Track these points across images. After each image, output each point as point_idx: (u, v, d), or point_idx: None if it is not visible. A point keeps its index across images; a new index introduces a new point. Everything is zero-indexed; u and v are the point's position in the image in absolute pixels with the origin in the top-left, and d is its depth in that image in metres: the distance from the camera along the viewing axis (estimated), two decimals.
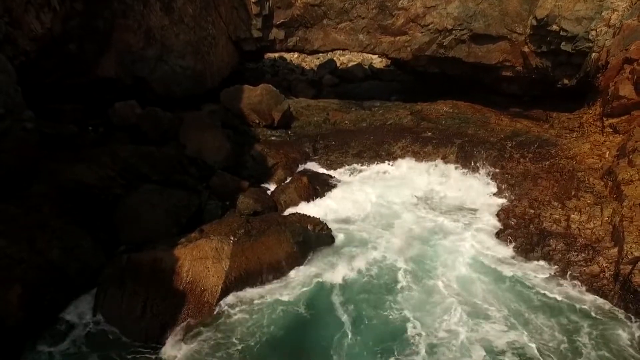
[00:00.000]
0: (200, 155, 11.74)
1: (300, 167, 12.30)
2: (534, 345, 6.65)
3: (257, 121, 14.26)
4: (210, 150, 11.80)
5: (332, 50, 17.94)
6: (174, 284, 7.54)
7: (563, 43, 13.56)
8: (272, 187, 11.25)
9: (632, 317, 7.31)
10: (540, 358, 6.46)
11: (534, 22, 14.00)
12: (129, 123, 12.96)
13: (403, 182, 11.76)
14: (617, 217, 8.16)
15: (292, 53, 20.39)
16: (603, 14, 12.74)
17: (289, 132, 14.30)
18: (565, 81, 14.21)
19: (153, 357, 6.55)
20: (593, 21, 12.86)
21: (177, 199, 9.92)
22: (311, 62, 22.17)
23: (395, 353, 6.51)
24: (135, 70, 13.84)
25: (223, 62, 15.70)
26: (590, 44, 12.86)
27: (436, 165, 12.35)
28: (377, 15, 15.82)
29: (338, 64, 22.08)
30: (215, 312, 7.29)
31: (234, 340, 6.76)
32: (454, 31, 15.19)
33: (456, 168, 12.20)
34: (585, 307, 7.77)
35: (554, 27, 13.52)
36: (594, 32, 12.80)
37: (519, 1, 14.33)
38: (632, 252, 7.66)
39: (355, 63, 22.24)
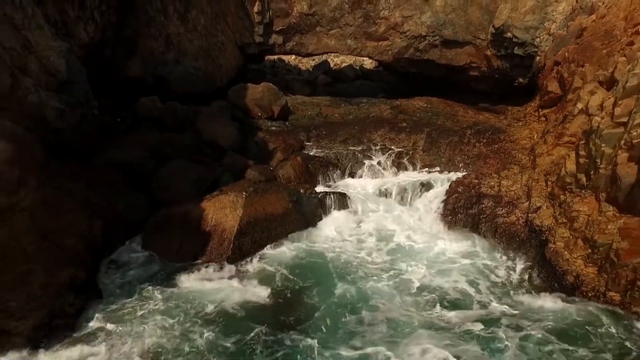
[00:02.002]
0: (214, 140, 15.28)
1: (296, 151, 15.79)
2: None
3: (260, 114, 17.83)
4: (222, 136, 15.36)
5: (324, 53, 21.57)
6: (201, 227, 11.07)
7: (516, 48, 17.17)
8: (272, 165, 14.76)
9: (535, 248, 10.76)
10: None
11: (493, 30, 17.63)
12: (152, 115, 16.49)
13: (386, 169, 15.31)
14: (530, 180, 11.69)
15: (290, 55, 23.93)
16: (545, 24, 16.36)
17: (287, 123, 17.85)
18: (520, 80, 17.79)
19: (182, 271, 9.90)
20: (538, 30, 16.47)
21: (198, 172, 13.44)
22: (307, 63, 25.79)
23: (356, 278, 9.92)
24: (156, 71, 17.45)
25: (230, 64, 19.31)
26: (536, 49, 16.46)
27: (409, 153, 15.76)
28: (362, 23, 19.46)
29: (332, 65, 25.71)
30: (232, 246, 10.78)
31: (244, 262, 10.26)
32: (427, 37, 18.81)
33: (423, 151, 15.68)
34: (502, 252, 11.24)
35: (508, 34, 17.14)
36: (538, 39, 16.40)
37: (481, 12, 17.95)
38: (535, 204, 11.20)
39: (347, 64, 25.86)
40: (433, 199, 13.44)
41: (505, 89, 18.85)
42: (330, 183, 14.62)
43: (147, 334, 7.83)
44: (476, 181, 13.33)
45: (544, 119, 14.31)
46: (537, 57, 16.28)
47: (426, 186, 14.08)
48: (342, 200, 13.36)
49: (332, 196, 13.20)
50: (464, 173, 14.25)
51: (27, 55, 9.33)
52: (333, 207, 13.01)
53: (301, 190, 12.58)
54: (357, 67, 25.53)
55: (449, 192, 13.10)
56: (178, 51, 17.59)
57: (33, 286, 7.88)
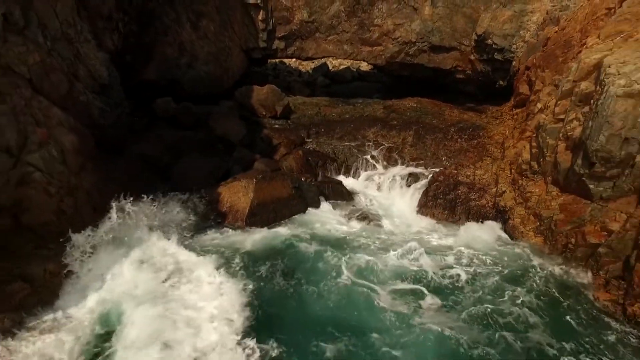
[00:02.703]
0: (225, 136, 17.84)
1: (297, 146, 18.35)
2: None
3: (264, 113, 20.41)
4: (232, 133, 17.93)
5: (323, 57, 24.18)
6: (218, 208, 13.62)
7: (496, 53, 19.75)
8: (277, 158, 17.32)
9: (501, 225, 13.29)
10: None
11: (475, 37, 20.23)
12: (167, 114, 19.06)
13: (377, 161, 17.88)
14: (498, 169, 14.27)
15: (291, 59, 26.52)
16: (521, 32, 18.96)
17: (289, 121, 20.42)
18: (501, 82, 20.37)
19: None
20: (514, 38, 19.07)
21: (212, 164, 16.01)
22: (307, 66, 28.41)
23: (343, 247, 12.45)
24: (170, 75, 20.03)
25: (236, 67, 21.91)
26: (512, 55, 19.06)
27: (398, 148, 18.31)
28: (357, 30, 22.07)
29: (330, 67, 28.33)
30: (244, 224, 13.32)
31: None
32: (417, 43, 21.42)
33: (411, 146, 18.25)
34: (476, 227, 13.76)
35: (489, 41, 19.74)
36: (514, 46, 19.00)
37: (465, 21, 20.55)
38: (501, 189, 13.77)
39: (345, 66, 28.48)
40: (418, 187, 15.98)
41: (488, 91, 21.42)
42: (329, 174, 17.14)
43: None
44: (455, 171, 15.91)
45: (516, 117, 16.88)
46: (514, 62, 18.86)
47: (413, 176, 16.62)
48: (339, 188, 15.90)
49: (329, 185, 15.75)
50: (445, 165, 16.77)
51: (78, 64, 11.90)
52: (330, 193, 15.53)
53: (302, 179, 15.11)
54: (354, 69, 28.13)
55: (431, 181, 15.66)
56: (190, 56, 20.17)
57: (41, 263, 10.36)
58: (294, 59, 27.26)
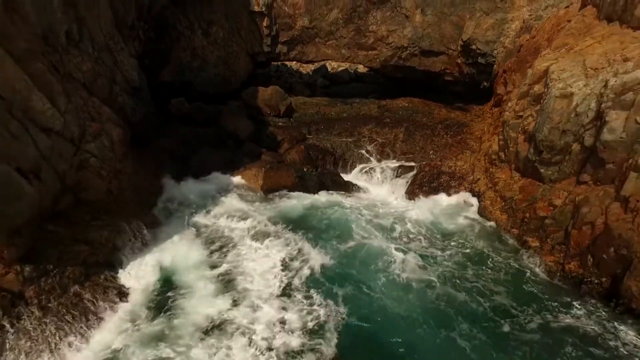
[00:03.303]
0: (234, 132, 20.63)
1: (299, 142, 21.13)
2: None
3: (269, 112, 23.21)
4: (240, 129, 20.72)
5: (323, 60, 27.02)
6: (231, 190, 16.38)
7: (479, 57, 22.58)
8: (281, 152, 20.10)
9: (474, 205, 16.07)
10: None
11: (461, 43, 23.06)
12: (181, 113, 21.83)
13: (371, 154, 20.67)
14: (475, 160, 17.07)
15: (292, 62, 29.33)
16: (501, 39, 21.80)
17: (291, 119, 23.21)
18: (485, 83, 23.18)
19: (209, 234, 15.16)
20: (495, 44, 21.90)
21: (224, 155, 18.78)
22: (307, 68, 31.24)
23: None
24: (183, 77, 22.84)
25: (242, 70, 24.74)
26: (494, 59, 21.89)
27: (391, 143, 21.09)
28: (354, 36, 24.91)
29: (329, 69, 31.16)
30: None
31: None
32: (408, 48, 24.26)
33: (402, 141, 21.03)
34: (458, 205, 16.53)
35: (473, 46, 22.57)
36: (495, 51, 21.83)
37: (452, 28, 23.38)
38: (476, 177, 16.57)
39: (343, 68, 31.32)
40: (407, 177, 18.78)
41: (474, 91, 24.22)
42: (328, 166, 19.90)
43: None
44: (439, 163, 18.74)
45: (493, 115, 19.70)
46: (495, 66, 21.68)
47: (403, 168, 19.41)
48: (336, 178, 18.69)
49: (328, 175, 18.53)
50: (432, 158, 19.58)
51: (116, 69, 14.71)
52: (330, 183, 18.30)
53: (305, 170, 17.92)
54: (352, 71, 30.98)
55: (418, 171, 18.46)
56: (202, 60, 23.01)
57: (125, 222, 13.16)
58: (295, 62, 30.04)
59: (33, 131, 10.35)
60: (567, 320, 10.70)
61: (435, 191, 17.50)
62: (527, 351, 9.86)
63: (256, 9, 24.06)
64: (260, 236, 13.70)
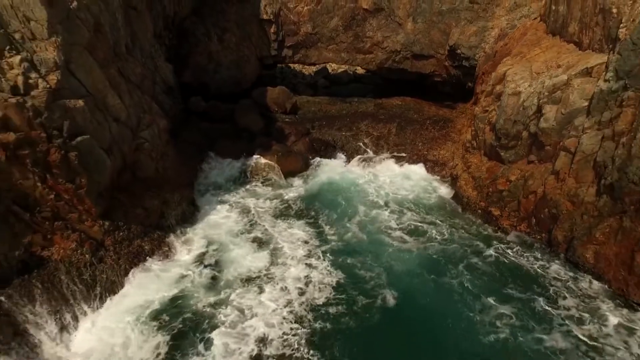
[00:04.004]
0: (247, 127, 24.86)
1: (304, 135, 25.37)
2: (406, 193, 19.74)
3: (276, 109, 27.45)
4: (253, 124, 24.96)
5: (324, 63, 31.33)
6: (250, 173, 20.61)
7: (464, 61, 26.88)
8: (289, 144, 24.32)
9: (451, 187, 20.33)
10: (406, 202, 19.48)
11: (448, 47, 27.37)
12: (198, 110, 26.04)
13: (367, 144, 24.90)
14: (455, 149, 21.32)
15: (296, 64, 33.59)
16: (482, 44, 26.10)
17: (296, 116, 27.47)
18: (469, 84, 27.46)
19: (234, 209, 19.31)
20: (477, 49, 26.20)
21: (240, 146, 23.01)
22: (309, 69, 35.55)
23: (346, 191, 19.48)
24: (201, 78, 27.07)
25: (252, 72, 29.02)
26: (476, 62, 26.18)
27: (384, 136, 25.33)
28: (353, 41, 29.21)
29: (330, 71, 35.46)
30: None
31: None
32: (401, 52, 28.57)
33: (395, 135, 25.29)
34: (441, 187, 20.77)
35: (458, 51, 26.88)
36: (477, 55, 26.12)
37: (440, 34, 27.69)
38: (455, 162, 20.83)
39: (343, 70, 35.63)
40: (397, 164, 23.00)
41: (460, 91, 28.49)
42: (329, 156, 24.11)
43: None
44: (426, 152, 23.00)
45: (472, 111, 23.94)
46: (477, 68, 25.96)
47: (395, 157, 23.64)
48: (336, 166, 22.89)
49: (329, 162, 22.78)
50: (420, 148, 23.84)
51: (156, 72, 18.96)
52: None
53: (309, 156, 22.17)
54: (351, 73, 35.28)
55: (407, 159, 22.69)
56: (216, 63, 27.27)
57: (169, 195, 17.34)
58: (298, 64, 34.31)
59: (108, 120, 14.59)
60: (516, 262, 14.91)
61: (421, 175, 21.71)
62: (486, 280, 14.15)
63: (265, 17, 28.38)
64: (284, 212, 17.88)
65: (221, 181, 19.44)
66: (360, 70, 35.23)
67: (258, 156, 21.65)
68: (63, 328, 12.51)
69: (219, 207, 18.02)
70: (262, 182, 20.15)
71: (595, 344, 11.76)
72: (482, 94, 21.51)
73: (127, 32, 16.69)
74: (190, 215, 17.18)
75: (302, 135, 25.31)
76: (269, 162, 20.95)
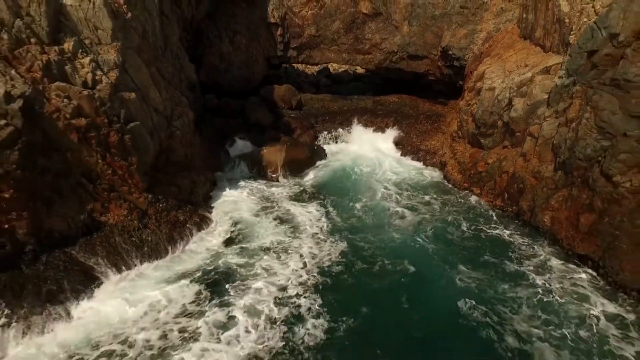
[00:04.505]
0: (258, 122, 28.75)
1: (309, 129, 29.24)
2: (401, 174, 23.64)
3: (283, 105, 31.33)
4: (262, 119, 28.85)
5: (326, 63, 35.24)
6: (262, 163, 24.48)
7: (455, 61, 30.81)
8: (295, 136, 28.20)
9: (440, 172, 24.22)
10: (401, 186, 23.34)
11: (441, 49, 31.30)
12: (212, 106, 29.94)
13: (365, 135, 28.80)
14: (444, 139, 25.20)
15: (300, 64, 37.48)
16: (471, 46, 30.03)
17: (301, 111, 31.37)
18: (460, 82, 31.36)
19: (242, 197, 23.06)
20: (467, 50, 30.13)
21: (254, 139, 26.91)
22: (312, 69, 39.49)
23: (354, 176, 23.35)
24: (213, 77, 30.96)
25: (260, 71, 32.92)
26: (465, 62, 30.10)
27: (383, 130, 29.25)
28: (353, 43, 33.13)
29: (332, 70, 39.38)
30: (279, 173, 24.18)
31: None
32: (398, 52, 32.50)
33: (391, 128, 29.19)
34: (432, 172, 24.68)
35: (450, 52, 30.81)
36: (467, 56, 30.05)
37: (433, 36, 31.63)
38: (444, 151, 24.74)
39: (344, 69, 39.55)
40: (393, 153, 26.91)
41: (452, 89, 32.39)
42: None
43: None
44: (419, 143, 26.89)
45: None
46: (466, 68, 29.86)
47: (391, 147, 27.54)
48: (339, 153, 26.78)
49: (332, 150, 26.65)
50: (413, 139, 27.73)
51: (181, 71, 22.80)
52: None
53: (315, 146, 26.04)
54: (351, 72, 39.22)
55: (403, 149, 26.57)
56: (228, 63, 31.16)
57: (196, 176, 21.14)
58: (301, 64, 38.22)
59: (150, 110, 18.41)
60: (491, 232, 18.74)
61: (415, 162, 25.62)
62: (465, 245, 17.88)
63: (272, 20, 32.30)
64: (298, 196, 21.74)
65: (239, 168, 23.20)
66: (360, 70, 39.18)
67: (269, 147, 25.43)
68: (120, 277, 16.25)
69: (240, 190, 21.85)
70: (276, 170, 23.95)
71: (547, 290, 15.46)
72: (466, 89, 25.39)
73: (162, 36, 20.53)
74: (213, 195, 20.99)
75: (307, 129, 29.20)
76: (279, 150, 24.74)
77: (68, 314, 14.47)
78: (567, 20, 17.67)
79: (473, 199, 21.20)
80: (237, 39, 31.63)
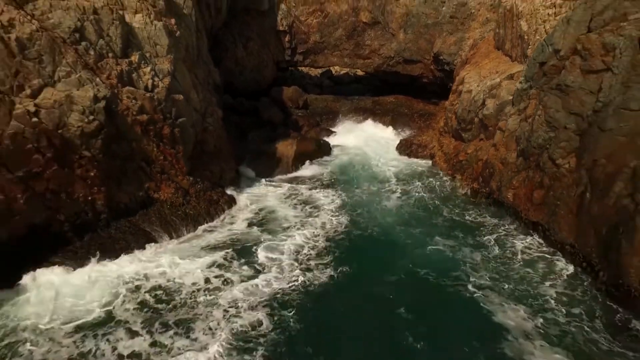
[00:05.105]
0: (270, 120, 34.66)
1: (315, 126, 35.12)
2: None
3: (291, 105, 37.25)
4: (274, 117, 34.78)
5: (330, 66, 41.19)
6: (275, 155, 30.33)
7: (445, 65, 36.81)
8: (303, 132, 34.07)
9: (430, 163, 30.13)
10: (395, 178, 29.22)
11: (433, 54, 37.30)
12: (229, 105, 35.82)
13: (365, 132, 34.71)
14: (434, 134, 31.09)
15: (305, 67, 43.40)
16: (459, 52, 36.02)
17: (307, 111, 37.33)
18: (450, 84, 37.30)
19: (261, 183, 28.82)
20: (456, 55, 36.12)
21: (267, 134, 32.83)
22: (315, 71, 45.42)
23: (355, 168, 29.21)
24: (229, 79, 36.84)
25: (270, 74, 38.84)
26: (454, 66, 36.05)
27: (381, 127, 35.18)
28: (354, 48, 39.11)
29: (334, 72, 45.32)
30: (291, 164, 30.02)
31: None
32: (394, 57, 38.49)
33: (389, 125, 35.12)
34: (423, 162, 30.59)
35: (441, 57, 36.81)
36: (456, 61, 36.02)
37: (426, 43, 37.62)
38: (434, 144, 30.62)
39: (345, 72, 45.49)
40: (390, 147, 32.82)
41: (444, 90, 38.32)
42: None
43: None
44: (412, 138, 32.82)
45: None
46: (454, 71, 35.81)
47: (388, 142, 33.45)
48: (342, 148, 32.68)
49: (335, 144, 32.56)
50: (408, 135, 33.65)
51: (209, 76, 28.63)
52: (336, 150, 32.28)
53: (321, 141, 31.92)
54: (352, 74, 45.16)
55: (398, 144, 32.47)
56: (241, 67, 37.06)
57: (224, 164, 26.96)
58: (306, 67, 44.14)
59: (191, 109, 24.21)
60: (467, 208, 24.57)
61: (408, 155, 31.51)
62: (446, 218, 23.70)
63: (281, 28, 38.27)
64: (307, 182, 27.55)
65: (257, 158, 29.03)
66: (360, 72, 45.17)
67: (282, 141, 31.27)
68: (170, 241, 21.96)
69: (257, 176, 27.61)
70: (291, 161, 29.77)
71: (505, 250, 21.17)
72: (451, 92, 31.31)
73: (197, 48, 26.38)
74: (237, 181, 26.78)
75: (313, 126, 35.13)
76: (290, 144, 30.57)
77: (134, 258, 20.10)
78: (526, 37, 23.59)
79: (454, 183, 27.03)
80: (249, 45, 37.52)
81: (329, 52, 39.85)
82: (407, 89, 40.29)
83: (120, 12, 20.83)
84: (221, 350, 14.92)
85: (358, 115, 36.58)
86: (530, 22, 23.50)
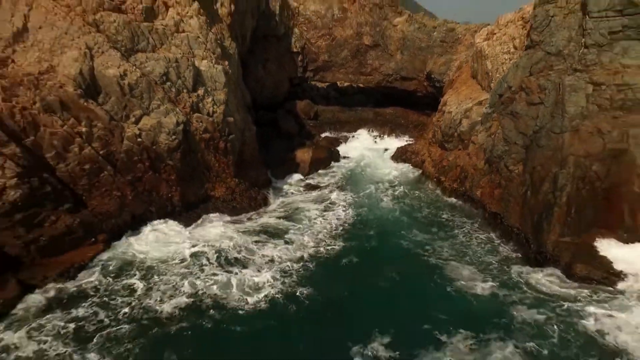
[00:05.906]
0: (288, 130, 45.26)
1: (324, 135, 45.67)
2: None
3: (303, 117, 47.92)
4: (291, 128, 45.52)
5: (336, 81, 51.88)
6: (295, 161, 40.88)
7: (436, 82, 47.57)
8: (315, 140, 44.64)
9: (420, 167, 40.74)
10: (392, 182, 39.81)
11: (425, 73, 48.01)
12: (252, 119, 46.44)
13: (367, 141, 45.31)
14: (425, 143, 41.71)
15: (314, 82, 53.92)
16: (448, 72, 46.77)
17: (317, 121, 48.01)
18: (441, 98, 47.96)
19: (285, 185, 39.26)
20: (444, 74, 46.88)
21: (287, 144, 43.43)
22: (323, 84, 56.05)
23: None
24: (252, 96, 47.37)
25: (285, 90, 49.44)
26: (443, 84, 46.72)
27: (380, 135, 45.86)
28: (357, 66, 49.80)
29: (339, 84, 55.97)
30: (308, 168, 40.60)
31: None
32: (393, 75, 49.21)
33: (387, 135, 45.80)
34: (415, 168, 41.23)
35: (433, 75, 47.59)
36: (444, 79, 46.70)
37: (420, 63, 48.37)
38: (425, 152, 41.31)
39: (349, 84, 56.13)
40: (388, 154, 43.53)
41: (436, 104, 48.93)
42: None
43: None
44: (407, 146, 43.53)
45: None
46: (443, 88, 46.44)
47: (387, 150, 44.16)
48: (349, 155, 43.36)
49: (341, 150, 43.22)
50: (404, 144, 44.33)
51: (244, 97, 39.09)
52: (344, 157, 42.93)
53: (332, 149, 42.52)
54: (355, 86, 55.80)
55: (395, 151, 43.12)
56: (262, 85, 47.61)
57: (258, 170, 37.47)
58: (316, 82, 54.63)
59: (236, 127, 34.70)
60: (447, 202, 35.07)
61: (403, 161, 42.14)
62: (430, 212, 34.21)
63: (294, 50, 48.90)
64: (329, 185, 38.09)
65: (281, 164, 39.56)
66: (362, 86, 55.81)
67: (300, 149, 41.75)
68: (221, 224, 32.36)
69: (283, 179, 38.14)
70: (304, 165, 40.25)
71: (469, 236, 31.61)
72: (438, 110, 41.88)
73: (238, 77, 36.86)
74: (268, 183, 37.27)
75: (323, 134, 45.72)
76: (307, 152, 41.09)
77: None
78: (490, 74, 34.22)
79: (440, 185, 37.57)
80: (268, 65, 48.07)
81: (336, 70, 50.37)
82: (404, 102, 50.91)
83: (192, 59, 31.28)
84: (269, 276, 25.35)
85: (361, 125, 47.09)
86: (494, 62, 34.13)
